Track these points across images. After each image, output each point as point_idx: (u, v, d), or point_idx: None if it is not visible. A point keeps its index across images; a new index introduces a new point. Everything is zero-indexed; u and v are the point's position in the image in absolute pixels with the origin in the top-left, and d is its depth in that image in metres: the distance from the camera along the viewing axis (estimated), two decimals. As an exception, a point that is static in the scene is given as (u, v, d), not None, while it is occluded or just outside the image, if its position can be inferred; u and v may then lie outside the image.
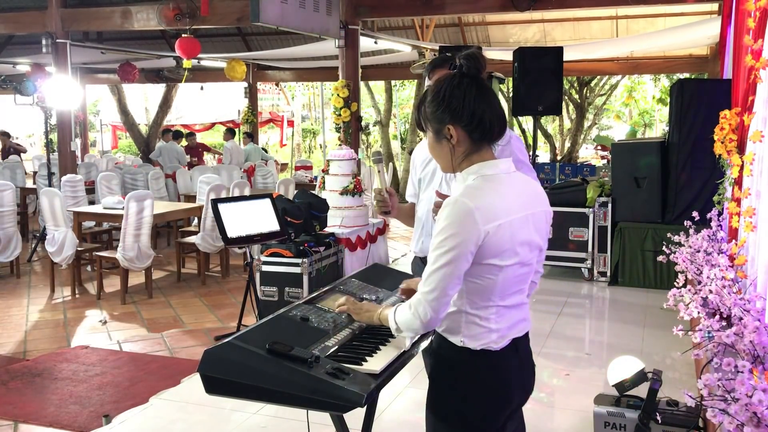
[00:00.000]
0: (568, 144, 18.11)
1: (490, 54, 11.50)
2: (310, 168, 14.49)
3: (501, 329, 1.88)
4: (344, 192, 7.01)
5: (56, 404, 4.16)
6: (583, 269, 7.26)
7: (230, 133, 13.90)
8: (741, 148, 3.02)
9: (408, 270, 2.98)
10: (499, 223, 1.78)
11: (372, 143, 24.19)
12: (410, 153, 16.35)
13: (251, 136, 14.19)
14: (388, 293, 2.51)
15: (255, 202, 5.42)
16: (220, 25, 10.87)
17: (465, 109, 1.84)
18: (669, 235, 3.84)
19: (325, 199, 6.61)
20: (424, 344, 2.14)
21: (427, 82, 2.75)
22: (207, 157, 15.56)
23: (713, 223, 3.43)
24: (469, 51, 1.97)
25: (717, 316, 2.32)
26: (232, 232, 5.10)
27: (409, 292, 2.15)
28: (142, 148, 16.76)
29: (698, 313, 2.40)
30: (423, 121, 1.94)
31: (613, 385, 3.04)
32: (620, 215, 7.09)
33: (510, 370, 1.91)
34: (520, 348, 1.95)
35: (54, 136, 9.75)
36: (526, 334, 2.00)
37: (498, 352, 1.87)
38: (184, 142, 13.87)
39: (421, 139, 22.56)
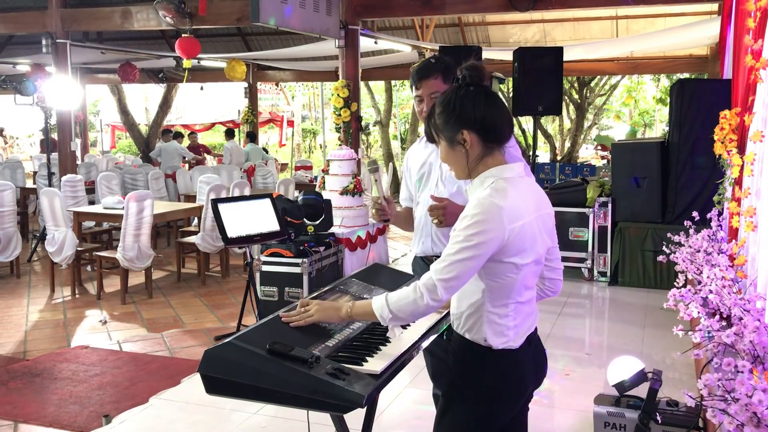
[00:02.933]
0: (568, 144, 18.11)
1: (490, 54, 11.50)
2: (310, 168, 14.49)
3: (517, 326, 1.97)
4: (344, 192, 7.02)
5: (56, 404, 4.16)
6: (583, 269, 7.26)
7: (230, 134, 13.92)
8: (741, 148, 3.02)
9: (408, 269, 2.98)
10: (522, 222, 1.88)
11: (372, 143, 24.19)
12: (410, 153, 16.34)
13: (252, 137, 14.19)
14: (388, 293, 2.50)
15: (255, 202, 5.42)
16: (219, 25, 10.87)
17: (476, 115, 1.94)
18: (669, 235, 3.84)
19: (297, 204, 6.04)
20: (425, 344, 2.14)
21: (415, 93, 2.69)
22: (207, 157, 15.57)
23: (713, 223, 3.43)
24: (470, 62, 2.02)
25: (717, 316, 2.32)
26: (232, 232, 5.10)
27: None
28: (142, 148, 16.76)
29: (698, 313, 2.40)
30: (435, 132, 2.02)
31: (613, 385, 3.04)
32: (620, 215, 7.09)
33: (526, 365, 2.01)
34: (532, 341, 2.04)
35: (54, 136, 9.75)
36: (535, 328, 2.10)
37: (516, 350, 1.96)
38: (186, 142, 13.89)
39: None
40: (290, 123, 22.74)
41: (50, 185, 8.35)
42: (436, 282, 1.84)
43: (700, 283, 2.77)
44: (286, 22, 7.53)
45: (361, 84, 10.94)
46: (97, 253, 6.78)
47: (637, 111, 23.97)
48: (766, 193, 2.50)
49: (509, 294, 1.93)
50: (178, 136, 13.65)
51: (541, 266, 2.02)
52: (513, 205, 1.87)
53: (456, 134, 1.95)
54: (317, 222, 6.19)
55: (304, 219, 6.06)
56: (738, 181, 2.95)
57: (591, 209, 7.17)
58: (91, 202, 8.84)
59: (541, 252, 1.98)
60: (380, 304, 1.93)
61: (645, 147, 7.11)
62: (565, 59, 8.12)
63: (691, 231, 3.58)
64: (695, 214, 3.75)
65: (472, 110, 1.93)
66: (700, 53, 12.51)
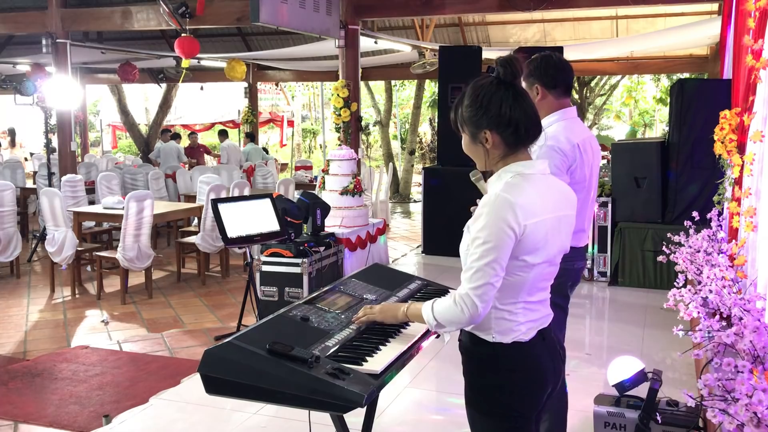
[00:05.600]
0: (568, 144, 18.06)
1: (490, 54, 11.50)
2: (310, 168, 14.48)
3: (528, 322, 1.95)
4: (344, 192, 7.01)
5: (56, 404, 4.16)
6: (583, 269, 7.25)
7: (224, 134, 13.96)
8: (741, 148, 3.02)
9: (408, 269, 2.98)
10: (537, 220, 1.86)
11: (372, 143, 24.18)
12: (411, 153, 16.35)
13: (252, 137, 14.19)
14: (388, 293, 2.51)
15: (255, 202, 5.42)
16: (219, 25, 10.87)
17: (502, 117, 1.91)
18: (669, 235, 3.84)
19: (297, 204, 6.18)
20: (426, 343, 2.14)
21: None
22: (207, 157, 15.57)
23: (713, 223, 3.43)
24: (506, 56, 1.99)
25: (717, 316, 2.32)
26: (232, 232, 5.10)
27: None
28: (142, 148, 16.76)
29: (698, 313, 2.40)
30: (460, 123, 2.00)
31: (613, 385, 3.04)
32: (620, 215, 7.09)
33: (541, 358, 1.98)
34: (546, 337, 2.01)
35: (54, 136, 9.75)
36: (550, 325, 2.06)
37: (528, 342, 1.94)
38: (185, 142, 13.93)
39: (420, 140, 22.32)
40: (290, 123, 22.75)
41: (50, 185, 8.35)
42: (469, 292, 1.83)
43: (700, 283, 2.77)
44: (286, 22, 7.53)
45: (361, 84, 10.94)
46: (97, 253, 6.78)
47: (637, 111, 23.96)
48: (766, 193, 2.50)
49: (518, 293, 1.91)
50: (176, 137, 13.70)
51: (555, 268, 1.99)
52: (526, 202, 1.85)
53: (479, 132, 1.93)
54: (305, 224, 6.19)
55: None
56: (738, 181, 2.95)
57: (591, 209, 7.16)
58: (91, 202, 8.84)
59: (554, 253, 1.95)
60: (427, 311, 1.94)
61: (645, 147, 7.11)
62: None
63: (691, 231, 3.58)
64: (695, 214, 3.75)
65: (498, 110, 1.90)
66: (700, 53, 12.51)
